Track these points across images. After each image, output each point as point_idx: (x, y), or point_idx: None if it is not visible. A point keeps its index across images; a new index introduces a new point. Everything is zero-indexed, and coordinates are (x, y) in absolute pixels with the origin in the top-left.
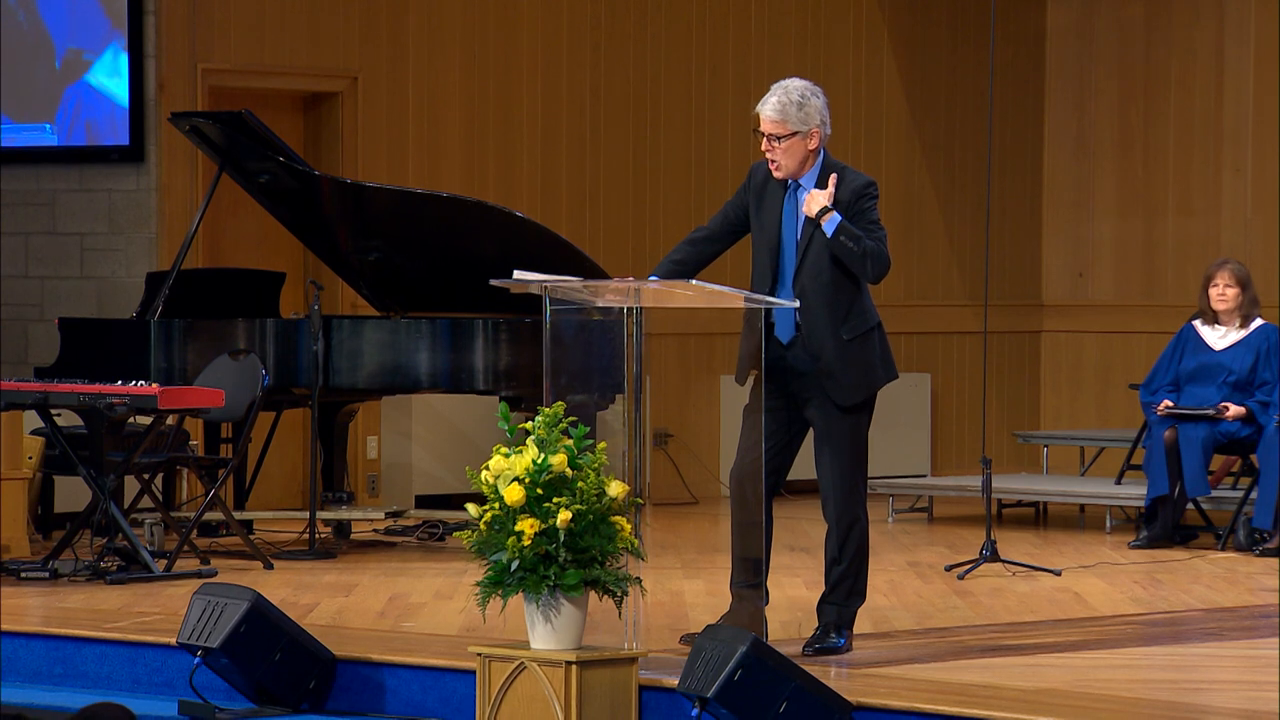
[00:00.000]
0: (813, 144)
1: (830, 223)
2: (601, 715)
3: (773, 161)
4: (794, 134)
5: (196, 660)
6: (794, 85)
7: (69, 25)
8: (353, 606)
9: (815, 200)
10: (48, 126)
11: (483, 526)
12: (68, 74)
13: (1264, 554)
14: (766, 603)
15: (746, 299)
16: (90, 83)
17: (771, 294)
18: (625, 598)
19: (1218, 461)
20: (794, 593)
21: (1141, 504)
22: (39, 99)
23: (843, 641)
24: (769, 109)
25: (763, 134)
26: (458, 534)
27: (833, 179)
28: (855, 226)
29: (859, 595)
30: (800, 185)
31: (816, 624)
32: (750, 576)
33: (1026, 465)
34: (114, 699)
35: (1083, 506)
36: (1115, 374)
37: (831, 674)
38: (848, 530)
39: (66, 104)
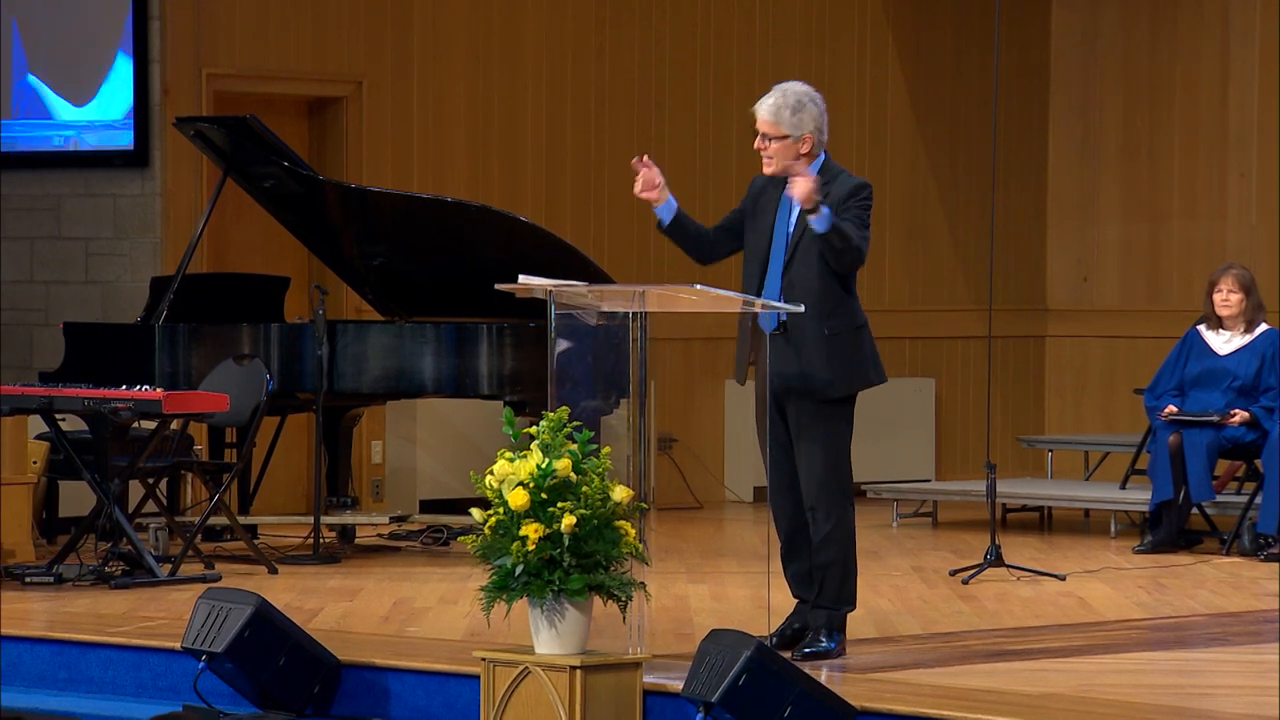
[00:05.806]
0: (804, 149)
1: (821, 220)
2: None
3: (766, 158)
4: (785, 137)
5: (201, 665)
6: (792, 89)
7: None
8: (357, 611)
9: (800, 185)
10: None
11: (487, 531)
12: None
13: (1269, 559)
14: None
15: (747, 303)
16: None
17: (758, 289)
18: (629, 602)
19: (1222, 466)
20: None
21: (1146, 509)
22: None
23: (834, 645)
24: (764, 109)
25: (757, 131)
26: (462, 539)
27: (815, 180)
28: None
29: (849, 600)
30: None
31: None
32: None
33: (1031, 470)
34: (118, 704)
35: (1087, 511)
36: (1120, 379)
37: (836, 679)
38: (830, 532)
39: None
